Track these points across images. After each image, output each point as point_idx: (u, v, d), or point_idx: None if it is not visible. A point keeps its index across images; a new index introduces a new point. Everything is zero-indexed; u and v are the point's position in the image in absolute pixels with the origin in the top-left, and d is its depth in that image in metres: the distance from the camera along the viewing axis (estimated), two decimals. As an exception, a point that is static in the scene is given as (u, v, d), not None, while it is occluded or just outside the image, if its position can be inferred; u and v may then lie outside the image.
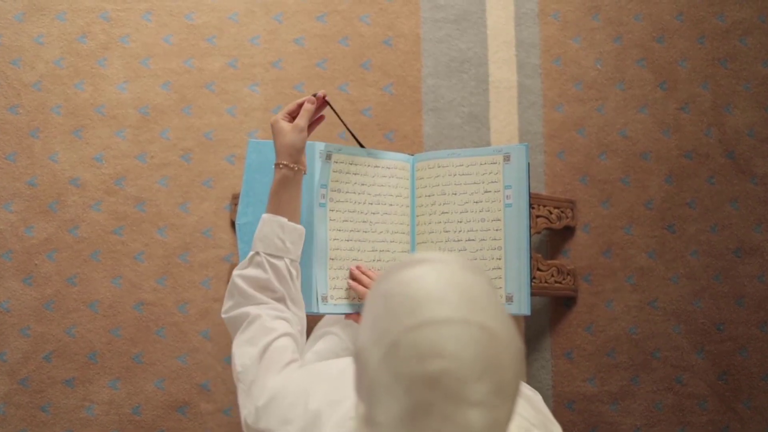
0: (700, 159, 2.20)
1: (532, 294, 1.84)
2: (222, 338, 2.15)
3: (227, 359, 2.14)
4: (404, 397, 0.93)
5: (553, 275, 2.08)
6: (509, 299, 1.71)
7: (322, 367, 1.40)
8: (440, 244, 1.78)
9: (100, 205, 2.19)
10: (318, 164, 1.74)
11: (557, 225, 2.12)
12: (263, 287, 1.50)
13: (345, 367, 1.31)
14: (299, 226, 1.55)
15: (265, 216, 1.54)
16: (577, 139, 2.22)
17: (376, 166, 1.82)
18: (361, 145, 1.78)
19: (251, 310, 1.48)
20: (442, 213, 1.80)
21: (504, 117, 2.23)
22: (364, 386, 0.99)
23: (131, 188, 2.20)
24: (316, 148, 1.75)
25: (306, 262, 1.73)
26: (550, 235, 2.19)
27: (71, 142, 2.21)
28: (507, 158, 1.76)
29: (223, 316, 1.52)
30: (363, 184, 1.80)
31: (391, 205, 1.82)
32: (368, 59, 2.26)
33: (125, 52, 2.24)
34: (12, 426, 2.12)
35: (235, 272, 1.52)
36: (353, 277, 1.74)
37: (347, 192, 1.78)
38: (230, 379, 2.13)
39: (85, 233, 2.18)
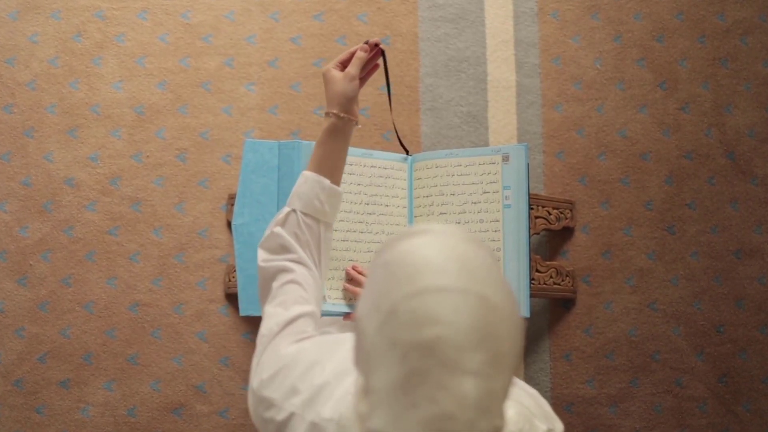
0: (700, 159, 2.19)
1: (531, 295, 1.83)
2: (218, 339, 2.13)
3: (223, 360, 2.12)
4: (400, 363, 0.92)
5: (551, 276, 2.07)
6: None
7: (337, 338, 1.38)
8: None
9: (95, 205, 2.17)
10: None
11: (556, 226, 2.10)
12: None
13: None
14: (338, 189, 1.50)
15: (306, 173, 1.49)
16: (577, 140, 2.20)
17: (373, 166, 1.81)
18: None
19: (290, 266, 1.42)
20: (440, 214, 1.78)
21: (502, 117, 2.21)
22: (362, 356, 0.98)
23: (126, 188, 2.18)
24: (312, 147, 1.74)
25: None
26: (549, 236, 2.17)
27: (66, 142, 2.19)
28: (506, 158, 1.75)
29: (260, 264, 1.46)
30: (359, 184, 1.79)
31: (387, 205, 1.81)
32: (366, 58, 2.23)
33: (120, 50, 2.23)
34: (6, 428, 2.10)
35: (274, 228, 1.46)
36: (349, 277, 1.72)
37: (343, 192, 1.77)
38: (226, 380, 2.11)
39: (80, 233, 2.16)
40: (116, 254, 2.16)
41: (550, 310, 2.16)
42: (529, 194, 1.73)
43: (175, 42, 2.23)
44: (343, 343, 1.30)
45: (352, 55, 1.54)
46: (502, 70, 2.23)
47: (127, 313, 2.14)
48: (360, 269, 1.72)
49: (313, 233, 1.46)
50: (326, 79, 1.52)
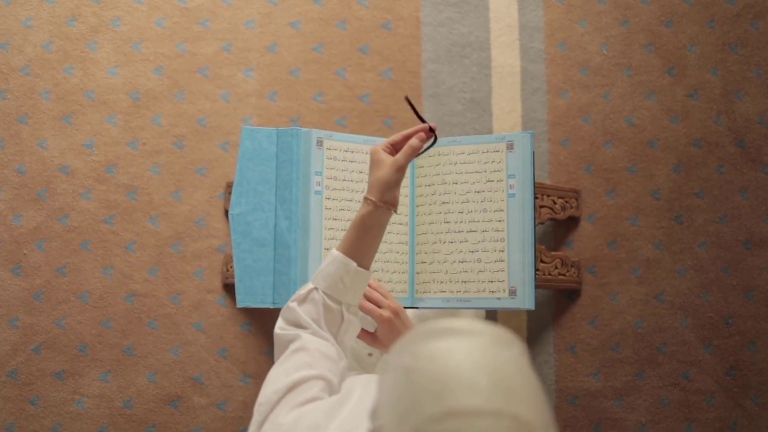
0: (709, 147, 2.15)
1: (535, 287, 1.79)
2: (215, 330, 2.10)
3: (220, 352, 2.09)
4: None
5: (556, 267, 2.04)
6: (512, 293, 1.66)
7: (343, 395, 1.32)
8: (440, 235, 1.73)
9: (91, 193, 2.14)
10: (313, 150, 1.70)
11: (561, 215, 2.07)
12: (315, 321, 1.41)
13: (361, 394, 1.23)
14: (365, 271, 1.42)
15: (335, 253, 1.42)
16: (582, 127, 2.16)
17: (374, 154, 1.77)
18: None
19: (302, 334, 1.38)
20: (443, 203, 1.74)
21: (507, 104, 2.17)
22: None
23: (122, 176, 2.14)
24: (312, 135, 1.71)
25: (301, 251, 1.68)
26: (554, 226, 2.14)
27: (60, 129, 2.15)
28: (510, 146, 1.71)
29: (276, 331, 1.42)
30: (360, 172, 1.76)
31: (389, 194, 1.77)
32: (366, 43, 2.20)
33: (116, 35, 2.19)
34: (0, 419, 2.08)
35: (291, 303, 1.42)
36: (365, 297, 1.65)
37: (344, 180, 1.74)
38: (224, 372, 2.09)
39: (75, 222, 2.13)
40: (112, 243, 2.13)
41: (555, 302, 2.13)
42: (534, 183, 1.69)
43: (171, 27, 2.19)
44: (349, 397, 1.24)
45: (406, 138, 1.45)
46: (506, 56, 2.19)
47: (122, 304, 2.11)
48: (374, 284, 1.65)
49: (335, 314, 1.41)
50: (373, 160, 1.44)
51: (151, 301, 2.12)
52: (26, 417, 2.08)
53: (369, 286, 1.61)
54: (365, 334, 1.61)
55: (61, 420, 2.09)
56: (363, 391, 1.23)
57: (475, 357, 0.88)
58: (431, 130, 1.45)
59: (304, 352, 1.34)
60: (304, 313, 1.39)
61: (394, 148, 1.45)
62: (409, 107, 1.47)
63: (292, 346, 1.36)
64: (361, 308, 1.57)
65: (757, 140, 2.14)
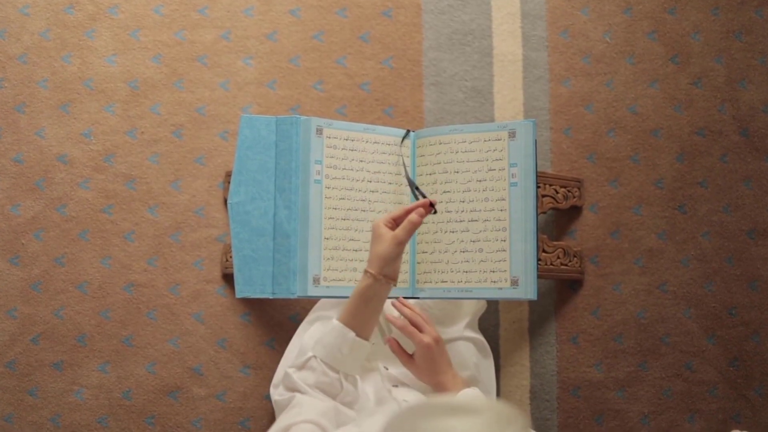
0: (712, 136, 2.13)
1: (537, 277, 1.77)
2: (215, 321, 2.09)
3: (220, 342, 2.08)
4: None
5: (558, 257, 2.02)
6: (514, 283, 1.64)
7: None
8: (442, 224, 1.72)
9: (89, 182, 2.12)
10: (312, 139, 1.68)
11: (563, 205, 2.06)
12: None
13: None
14: (365, 342, 1.46)
15: (335, 323, 1.46)
16: (585, 116, 2.14)
17: (375, 142, 1.76)
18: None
19: (298, 395, 1.41)
20: (444, 192, 1.73)
21: (508, 92, 2.15)
22: None
23: (121, 165, 2.13)
24: (312, 123, 1.69)
25: (300, 241, 1.67)
26: (556, 216, 2.12)
27: (58, 117, 2.14)
28: (512, 135, 1.69)
29: (275, 398, 1.47)
30: (361, 161, 1.74)
31: (390, 183, 1.76)
32: (367, 31, 2.18)
33: (114, 23, 2.17)
34: (-1, 410, 2.08)
35: (289, 369, 1.45)
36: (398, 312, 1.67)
37: (344, 169, 1.72)
38: (223, 363, 2.07)
39: (73, 212, 2.11)
40: (110, 233, 2.11)
41: (557, 292, 2.11)
42: (536, 172, 1.67)
43: (170, 14, 2.17)
44: None
45: (407, 213, 1.48)
46: (508, 44, 2.17)
47: (121, 294, 2.10)
48: (418, 311, 1.66)
49: (333, 382, 1.43)
50: (374, 234, 1.48)
51: (150, 292, 2.10)
52: (25, 408, 2.07)
53: (413, 311, 1.64)
54: (402, 352, 1.62)
55: (60, 411, 2.07)
56: None
57: None
58: (431, 205, 1.50)
59: (297, 407, 1.38)
60: (301, 379, 1.42)
61: (395, 223, 1.49)
62: (407, 184, 1.59)
63: (289, 407, 1.40)
64: (403, 330, 1.60)
65: (762, 129, 2.12)
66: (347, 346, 1.44)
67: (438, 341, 1.60)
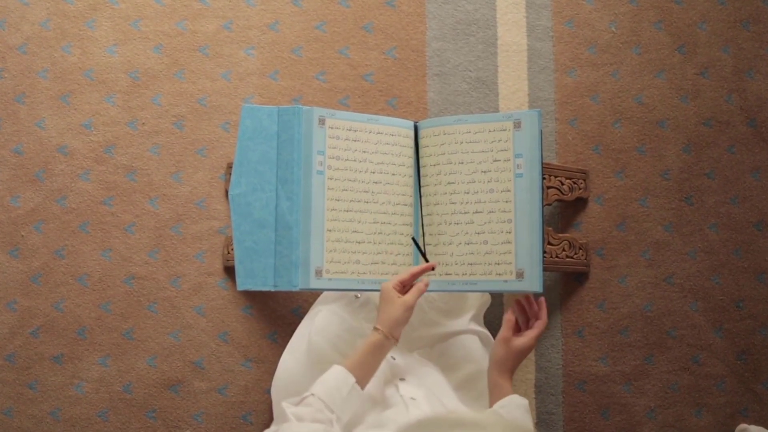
0: (720, 127, 2.11)
1: (543, 269, 1.75)
2: (216, 314, 2.07)
3: (221, 336, 2.07)
4: None
5: (564, 249, 2.00)
6: (519, 275, 1.62)
7: None
8: (446, 216, 1.70)
9: (89, 174, 2.11)
10: (315, 129, 1.66)
11: (569, 196, 2.04)
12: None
13: None
14: (362, 392, 1.52)
15: (338, 366, 1.51)
16: (591, 106, 2.12)
17: (379, 133, 1.73)
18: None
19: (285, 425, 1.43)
20: (448, 183, 1.71)
21: (513, 82, 2.13)
22: None
23: (121, 156, 2.11)
24: (314, 113, 1.67)
25: (302, 233, 1.65)
26: (562, 207, 2.10)
27: (58, 108, 2.12)
28: (517, 125, 1.66)
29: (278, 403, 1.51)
30: (364, 152, 1.72)
31: (393, 174, 1.74)
32: (370, 21, 2.15)
33: (114, 13, 2.15)
34: (-1, 404, 2.07)
35: (285, 405, 1.46)
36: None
37: (347, 159, 1.70)
38: (225, 356, 2.06)
39: (73, 203, 2.10)
40: (111, 225, 2.10)
41: (562, 285, 2.09)
42: (542, 162, 1.65)
43: (171, 4, 2.15)
44: None
45: (413, 276, 1.60)
46: (512, 34, 2.15)
47: (122, 286, 2.08)
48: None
49: (326, 421, 1.45)
50: (383, 297, 1.57)
51: (151, 284, 2.09)
52: (24, 401, 2.06)
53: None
54: (512, 325, 1.61)
55: (60, 405, 2.06)
56: None
57: None
58: (432, 268, 1.65)
59: (287, 424, 1.40)
60: (295, 414, 1.42)
61: (403, 285, 1.59)
62: (413, 245, 1.70)
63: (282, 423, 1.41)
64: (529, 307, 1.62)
65: (770, 120, 2.11)
66: (347, 389, 1.47)
67: (531, 347, 1.60)
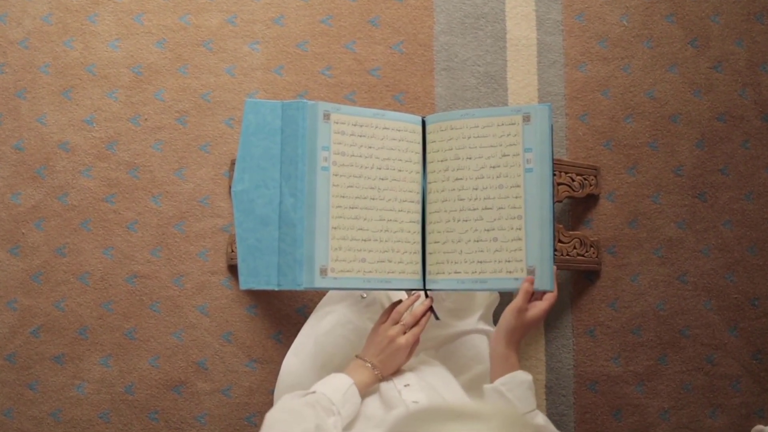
0: (733, 122, 2.08)
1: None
2: (220, 314, 2.04)
3: (225, 336, 2.04)
4: None
5: (575, 247, 1.97)
6: (530, 273, 1.58)
7: None
8: (454, 213, 1.66)
9: (91, 170, 2.08)
10: (319, 124, 1.62)
11: (580, 193, 2.00)
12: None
13: None
14: (360, 400, 1.52)
15: (340, 374, 1.53)
16: (601, 101, 2.09)
17: (385, 128, 1.70)
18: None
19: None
20: (456, 179, 1.67)
21: (522, 77, 2.10)
22: None
23: (124, 153, 2.09)
24: (319, 108, 1.63)
25: (307, 230, 1.62)
26: (572, 204, 2.07)
27: (60, 104, 2.10)
28: (527, 119, 1.63)
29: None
30: (370, 147, 1.68)
31: (400, 170, 1.70)
32: (377, 15, 2.13)
33: (117, 7, 2.13)
34: None
35: (287, 396, 1.48)
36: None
37: (353, 155, 1.66)
38: (228, 357, 2.03)
39: (74, 200, 2.07)
40: (113, 223, 2.07)
41: (573, 283, 2.07)
42: (552, 157, 1.61)
43: (174, -3, 2.13)
44: None
45: (417, 319, 1.61)
46: (522, 27, 2.12)
47: (124, 285, 2.06)
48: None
49: (326, 424, 1.44)
50: (394, 347, 1.58)
51: (154, 283, 2.07)
52: (25, 402, 2.04)
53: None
54: (529, 295, 1.59)
55: (61, 405, 2.04)
56: None
57: None
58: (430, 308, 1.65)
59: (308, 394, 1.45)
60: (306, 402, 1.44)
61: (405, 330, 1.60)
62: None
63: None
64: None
65: (785, 114, 2.08)
66: (350, 392, 1.50)
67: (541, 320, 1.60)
